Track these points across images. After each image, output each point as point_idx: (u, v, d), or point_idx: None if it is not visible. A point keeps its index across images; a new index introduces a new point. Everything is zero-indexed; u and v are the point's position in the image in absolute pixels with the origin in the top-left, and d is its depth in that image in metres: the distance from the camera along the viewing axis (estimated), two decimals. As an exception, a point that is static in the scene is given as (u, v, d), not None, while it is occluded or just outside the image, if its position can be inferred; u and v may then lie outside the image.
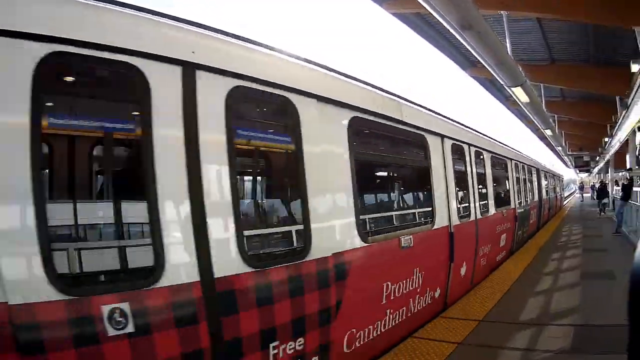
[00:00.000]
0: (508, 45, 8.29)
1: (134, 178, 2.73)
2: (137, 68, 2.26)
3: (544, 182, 15.72)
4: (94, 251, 3.02)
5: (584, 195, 39.40)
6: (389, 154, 5.17)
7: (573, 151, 27.62)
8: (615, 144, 16.62)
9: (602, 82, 12.36)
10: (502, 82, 9.02)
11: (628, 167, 16.23)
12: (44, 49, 1.98)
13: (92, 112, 2.80)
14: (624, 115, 11.76)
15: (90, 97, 2.68)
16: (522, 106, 11.67)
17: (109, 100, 2.79)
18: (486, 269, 7.27)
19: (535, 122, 14.80)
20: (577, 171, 39.49)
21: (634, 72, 8.69)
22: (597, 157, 25.87)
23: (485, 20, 6.05)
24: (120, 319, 2.08)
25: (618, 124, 13.65)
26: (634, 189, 13.66)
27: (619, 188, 19.52)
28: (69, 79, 2.52)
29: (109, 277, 2.58)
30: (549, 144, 29.24)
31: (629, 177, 15.10)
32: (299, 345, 2.94)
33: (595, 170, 34.74)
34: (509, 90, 9.68)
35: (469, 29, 5.52)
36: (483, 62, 7.43)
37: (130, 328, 2.11)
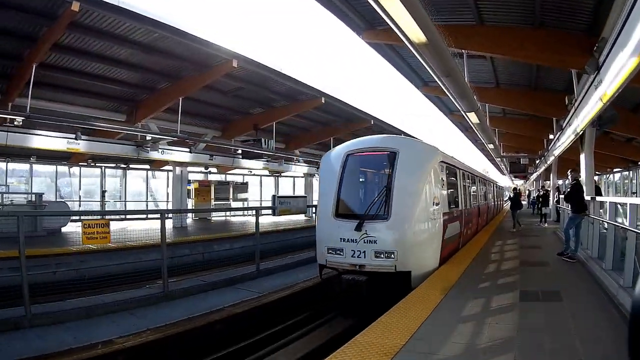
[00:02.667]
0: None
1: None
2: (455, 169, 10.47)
3: (488, 189, 19.84)
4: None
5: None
6: (456, 182, 10.56)
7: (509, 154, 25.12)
8: (550, 157, 17.97)
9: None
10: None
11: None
12: None
13: None
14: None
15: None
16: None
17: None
18: (470, 236, 12.45)
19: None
20: (512, 177, 38.03)
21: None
22: (538, 160, 22.85)
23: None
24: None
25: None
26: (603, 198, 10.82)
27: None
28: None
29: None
30: (483, 150, 30.87)
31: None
32: (462, 228, 10.32)
33: (534, 176, 32.19)
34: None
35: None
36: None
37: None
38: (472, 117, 11.01)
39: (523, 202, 33.59)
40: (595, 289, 6.62)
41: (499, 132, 20.61)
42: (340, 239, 7.44)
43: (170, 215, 19.74)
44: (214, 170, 24.67)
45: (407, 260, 7.17)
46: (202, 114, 17.04)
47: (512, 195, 18.26)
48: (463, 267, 8.19)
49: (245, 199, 26.97)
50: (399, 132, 22.27)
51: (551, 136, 15.75)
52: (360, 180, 8.79)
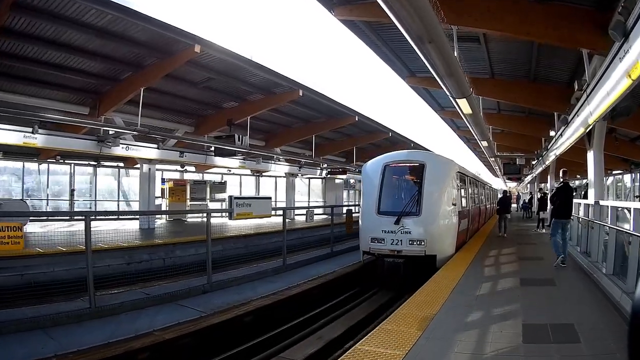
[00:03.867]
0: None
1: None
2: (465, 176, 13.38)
3: (487, 192, 21.14)
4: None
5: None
6: (465, 186, 12.57)
7: (504, 154, 22.82)
8: (549, 156, 16.59)
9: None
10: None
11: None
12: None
13: None
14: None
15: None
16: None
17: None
18: (474, 231, 14.85)
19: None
20: (506, 179, 36.60)
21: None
22: (535, 161, 21.33)
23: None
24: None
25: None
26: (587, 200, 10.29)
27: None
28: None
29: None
30: (476, 149, 29.99)
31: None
32: (469, 224, 12.69)
33: (528, 178, 31.26)
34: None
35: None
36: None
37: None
38: (464, 106, 9.51)
39: (514, 205, 32.14)
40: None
41: (493, 131, 18.95)
42: (382, 230, 9.50)
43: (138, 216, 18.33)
44: (191, 168, 23.17)
45: (433, 247, 9.31)
46: (173, 107, 15.71)
47: (500, 197, 17.23)
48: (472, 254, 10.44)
49: (224, 200, 24.61)
50: (387, 130, 21.55)
51: (552, 133, 14.19)
52: (396, 185, 10.54)
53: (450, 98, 9.20)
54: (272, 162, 22.47)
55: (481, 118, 12.76)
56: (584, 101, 8.06)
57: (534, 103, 13.36)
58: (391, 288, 9.39)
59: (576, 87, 8.37)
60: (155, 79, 12.10)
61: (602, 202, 8.28)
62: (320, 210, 26.72)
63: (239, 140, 15.58)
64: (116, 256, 10.60)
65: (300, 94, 14.49)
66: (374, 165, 10.70)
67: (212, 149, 17.56)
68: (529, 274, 7.97)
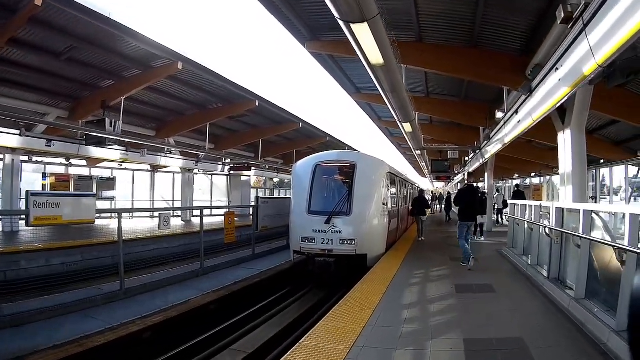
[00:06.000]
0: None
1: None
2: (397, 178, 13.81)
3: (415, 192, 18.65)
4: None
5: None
6: (395, 187, 12.88)
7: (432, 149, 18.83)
8: (492, 146, 12.63)
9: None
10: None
11: None
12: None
13: None
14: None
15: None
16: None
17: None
18: (404, 230, 15.23)
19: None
20: (434, 179, 31.54)
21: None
22: (471, 154, 17.46)
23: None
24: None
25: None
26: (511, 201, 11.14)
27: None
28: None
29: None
30: (400, 145, 29.73)
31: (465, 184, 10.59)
32: (399, 223, 13.16)
33: (459, 177, 28.12)
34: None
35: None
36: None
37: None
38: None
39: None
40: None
41: (421, 120, 15.40)
42: (313, 230, 9.44)
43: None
44: (82, 162, 20.21)
45: (364, 246, 9.34)
46: (38, 86, 12.44)
47: (415, 197, 14.75)
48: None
49: (112, 198, 21.50)
50: (298, 120, 19.16)
51: (499, 114, 11.53)
52: (327, 185, 10.47)
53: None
54: (162, 154, 19.03)
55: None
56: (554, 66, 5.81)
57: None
58: (323, 286, 9.33)
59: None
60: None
61: (583, 206, 5.32)
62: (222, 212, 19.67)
63: (110, 125, 12.72)
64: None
65: (180, 66, 11.52)
66: (305, 165, 10.62)
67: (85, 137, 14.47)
68: (464, 280, 7.41)
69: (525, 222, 8.49)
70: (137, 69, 12.16)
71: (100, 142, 14.03)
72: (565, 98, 5.89)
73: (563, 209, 6.26)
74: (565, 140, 7.10)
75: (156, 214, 17.93)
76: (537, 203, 7.72)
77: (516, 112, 8.36)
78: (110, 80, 12.74)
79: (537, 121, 7.28)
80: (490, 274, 7.91)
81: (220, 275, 9.47)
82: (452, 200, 10.87)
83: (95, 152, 16.22)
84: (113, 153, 16.84)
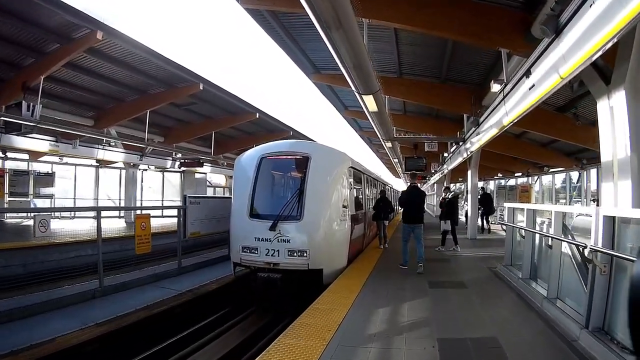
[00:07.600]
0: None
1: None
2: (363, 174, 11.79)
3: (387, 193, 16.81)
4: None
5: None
6: (360, 185, 11.11)
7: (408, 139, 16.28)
8: (483, 133, 10.05)
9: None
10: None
11: None
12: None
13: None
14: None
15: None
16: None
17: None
18: (372, 237, 12.94)
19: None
20: (407, 178, 25.44)
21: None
22: (454, 148, 15.20)
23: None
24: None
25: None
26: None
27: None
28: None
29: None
30: (378, 152, 28.89)
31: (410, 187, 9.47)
32: (365, 229, 11.22)
33: (436, 177, 26.21)
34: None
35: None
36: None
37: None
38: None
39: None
40: None
41: (392, 109, 13.84)
42: (255, 238, 7.67)
43: None
44: (23, 156, 18.54)
45: (319, 259, 7.53)
46: None
47: (377, 199, 12.35)
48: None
49: (51, 195, 19.47)
50: (255, 109, 17.13)
51: (495, 88, 7.69)
52: (274, 182, 8.98)
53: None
54: (100, 146, 16.89)
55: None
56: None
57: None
58: (267, 310, 7.80)
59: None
60: None
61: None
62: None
63: (28, 110, 11.04)
64: None
65: (99, 36, 9.49)
66: (249, 157, 8.71)
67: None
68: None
69: (537, 235, 6.02)
70: (55, 42, 10.18)
71: (16, 129, 12.17)
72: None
73: (614, 217, 3.86)
74: (613, 109, 4.59)
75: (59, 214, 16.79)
76: (561, 208, 5.36)
77: (527, 74, 5.54)
78: (31, 57, 10.84)
79: (567, 79, 4.58)
80: (489, 311, 5.44)
81: (127, 297, 7.11)
82: (398, 202, 9.86)
83: (19, 142, 14.19)
84: (40, 144, 14.91)
